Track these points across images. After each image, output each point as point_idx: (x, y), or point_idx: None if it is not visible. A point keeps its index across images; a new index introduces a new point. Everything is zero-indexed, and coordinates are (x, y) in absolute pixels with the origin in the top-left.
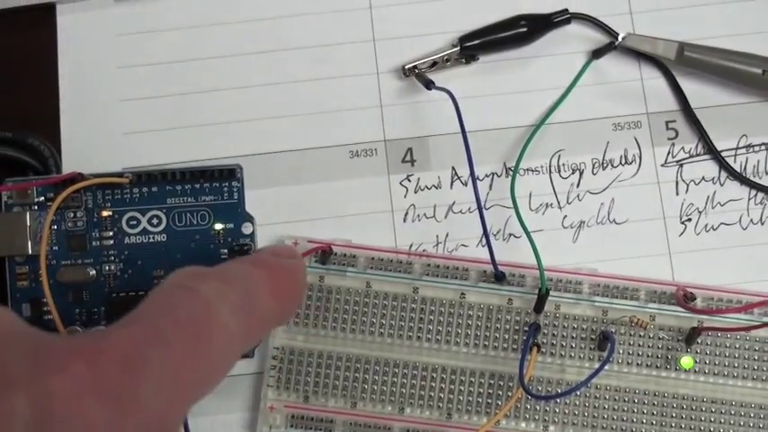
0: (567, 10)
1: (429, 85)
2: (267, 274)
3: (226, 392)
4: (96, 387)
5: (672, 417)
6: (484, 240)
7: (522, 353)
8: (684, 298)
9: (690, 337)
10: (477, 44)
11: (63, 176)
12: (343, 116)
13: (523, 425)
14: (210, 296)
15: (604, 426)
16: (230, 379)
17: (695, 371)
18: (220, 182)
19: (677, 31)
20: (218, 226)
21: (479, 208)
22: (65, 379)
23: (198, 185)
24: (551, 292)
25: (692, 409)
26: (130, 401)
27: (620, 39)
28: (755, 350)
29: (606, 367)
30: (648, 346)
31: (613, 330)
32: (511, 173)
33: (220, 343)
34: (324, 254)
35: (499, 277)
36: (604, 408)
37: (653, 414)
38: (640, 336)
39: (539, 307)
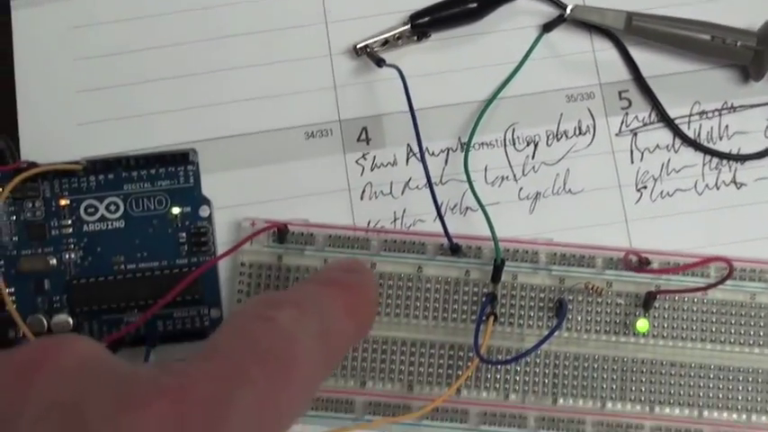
0: None
1: (380, 63)
2: (340, 292)
3: None
4: (180, 428)
5: (632, 381)
6: (435, 216)
7: (477, 322)
8: (639, 263)
9: (647, 301)
10: (428, 21)
11: (13, 166)
12: (298, 98)
13: (484, 394)
14: (289, 326)
15: (565, 393)
16: None
17: (653, 335)
18: (175, 166)
19: (628, 0)
20: (176, 210)
21: (429, 184)
22: (148, 418)
23: (153, 171)
24: (508, 263)
25: (652, 372)
26: None
27: (568, 11)
28: (713, 312)
29: (565, 334)
30: (606, 313)
31: (570, 298)
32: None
33: (303, 375)
34: (281, 233)
35: (454, 249)
36: (564, 375)
37: (613, 379)
38: (598, 302)
39: (495, 277)
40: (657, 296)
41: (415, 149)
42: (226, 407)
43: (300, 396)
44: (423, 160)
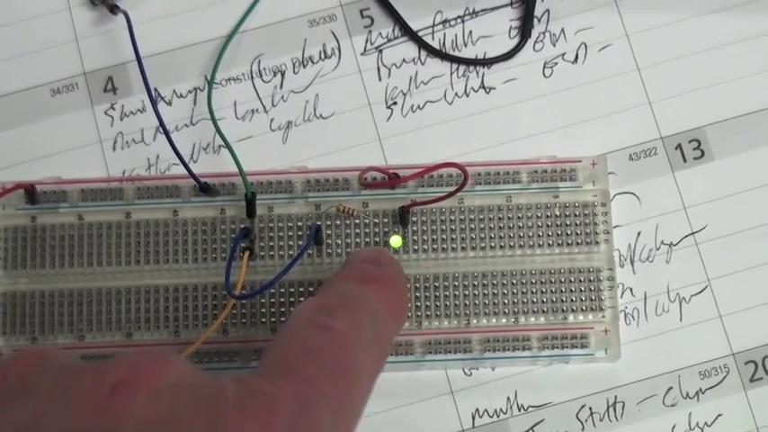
0: None
1: (113, 9)
2: (379, 290)
3: None
4: None
5: None
6: (188, 158)
7: (228, 258)
8: (387, 179)
9: (402, 217)
10: None
11: None
12: (39, 56)
13: (253, 331)
14: (347, 334)
15: None
16: None
17: (414, 249)
18: None
19: None
20: None
21: (164, 129)
22: None
23: None
24: (264, 195)
25: (417, 288)
26: None
27: None
28: (471, 219)
29: (318, 260)
30: (365, 233)
31: (329, 223)
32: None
33: (365, 383)
34: (30, 194)
35: (204, 189)
36: None
37: None
38: (356, 224)
39: (250, 212)
40: (411, 210)
41: (163, 93)
42: (309, 427)
43: (363, 402)
44: (154, 107)
